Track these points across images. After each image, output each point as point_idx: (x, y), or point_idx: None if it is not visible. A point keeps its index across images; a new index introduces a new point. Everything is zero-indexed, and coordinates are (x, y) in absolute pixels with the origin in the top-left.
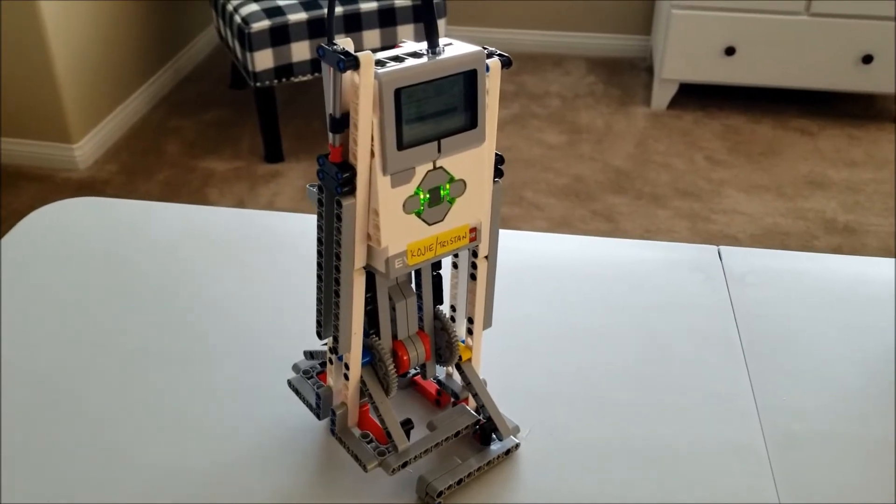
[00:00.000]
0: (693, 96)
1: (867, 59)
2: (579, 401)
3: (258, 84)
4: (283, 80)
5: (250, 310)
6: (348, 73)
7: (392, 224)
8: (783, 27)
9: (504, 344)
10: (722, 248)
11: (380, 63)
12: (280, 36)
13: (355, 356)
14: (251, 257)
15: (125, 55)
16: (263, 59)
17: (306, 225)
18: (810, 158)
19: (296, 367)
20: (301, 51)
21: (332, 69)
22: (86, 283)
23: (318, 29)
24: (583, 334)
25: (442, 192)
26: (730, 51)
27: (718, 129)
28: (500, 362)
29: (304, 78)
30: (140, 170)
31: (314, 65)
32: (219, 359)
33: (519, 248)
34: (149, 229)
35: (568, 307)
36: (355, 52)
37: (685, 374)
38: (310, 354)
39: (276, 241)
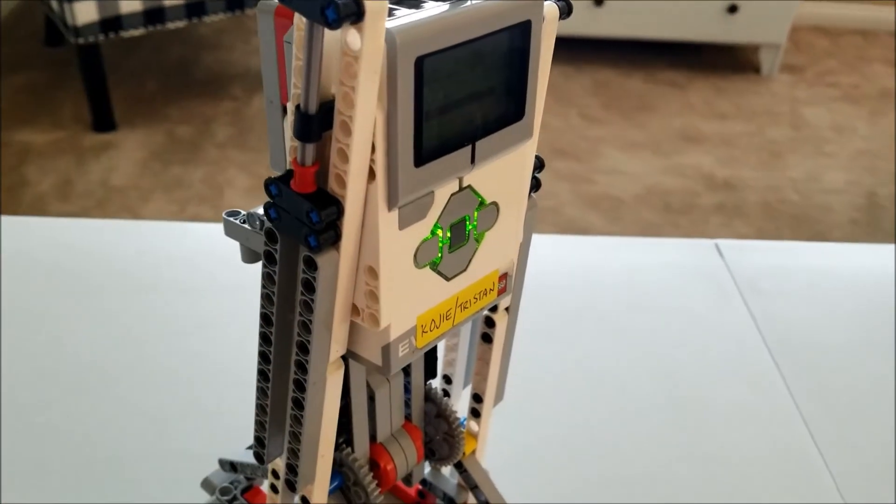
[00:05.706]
0: (560, 49)
1: (732, 9)
2: (600, 480)
3: (80, 40)
4: (111, 34)
5: (131, 385)
6: (336, 31)
7: (398, 289)
8: None
9: None
10: (720, 241)
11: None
12: None
13: (321, 486)
14: (120, 294)
15: None
16: (86, 11)
17: (189, 238)
18: (682, 113)
19: (207, 485)
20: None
21: (304, 24)
22: None
23: None
24: (587, 381)
25: (468, 225)
26: (598, 0)
27: (589, 84)
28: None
29: (136, 32)
30: None
31: (148, 17)
32: (82, 472)
33: None
34: None
35: (550, 337)
36: None
37: (726, 423)
38: (229, 465)
39: (148, 267)
